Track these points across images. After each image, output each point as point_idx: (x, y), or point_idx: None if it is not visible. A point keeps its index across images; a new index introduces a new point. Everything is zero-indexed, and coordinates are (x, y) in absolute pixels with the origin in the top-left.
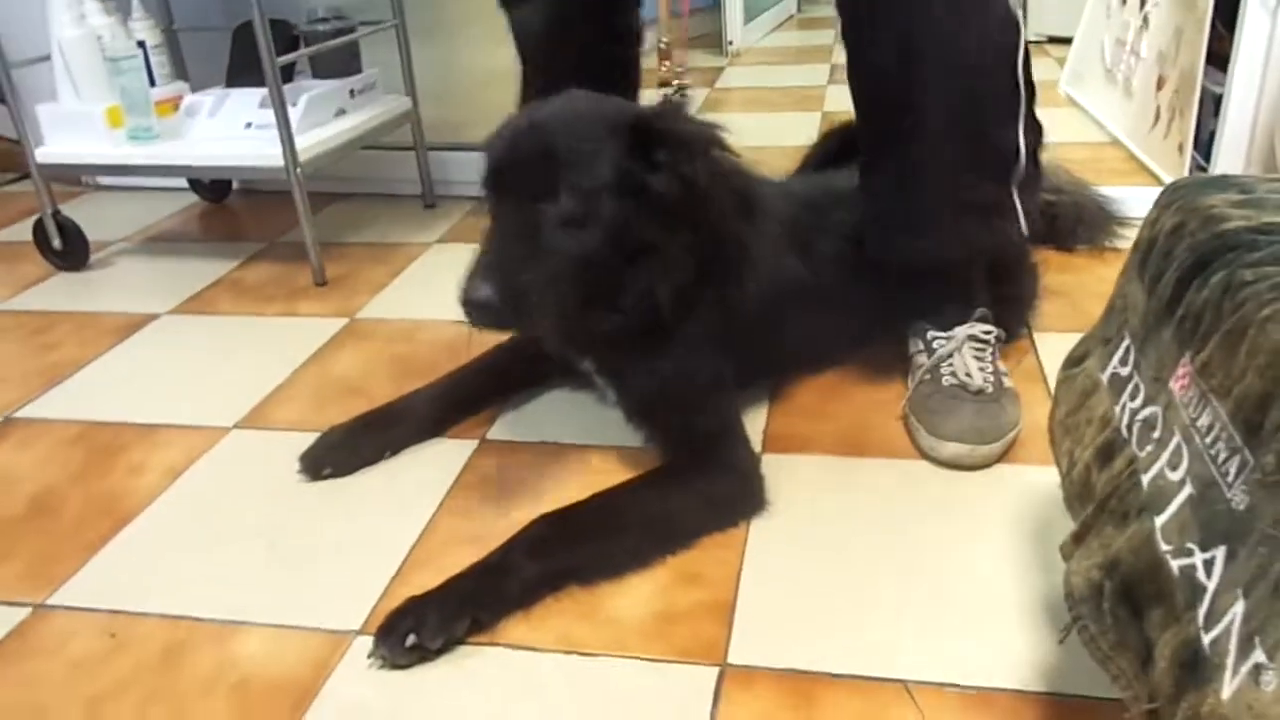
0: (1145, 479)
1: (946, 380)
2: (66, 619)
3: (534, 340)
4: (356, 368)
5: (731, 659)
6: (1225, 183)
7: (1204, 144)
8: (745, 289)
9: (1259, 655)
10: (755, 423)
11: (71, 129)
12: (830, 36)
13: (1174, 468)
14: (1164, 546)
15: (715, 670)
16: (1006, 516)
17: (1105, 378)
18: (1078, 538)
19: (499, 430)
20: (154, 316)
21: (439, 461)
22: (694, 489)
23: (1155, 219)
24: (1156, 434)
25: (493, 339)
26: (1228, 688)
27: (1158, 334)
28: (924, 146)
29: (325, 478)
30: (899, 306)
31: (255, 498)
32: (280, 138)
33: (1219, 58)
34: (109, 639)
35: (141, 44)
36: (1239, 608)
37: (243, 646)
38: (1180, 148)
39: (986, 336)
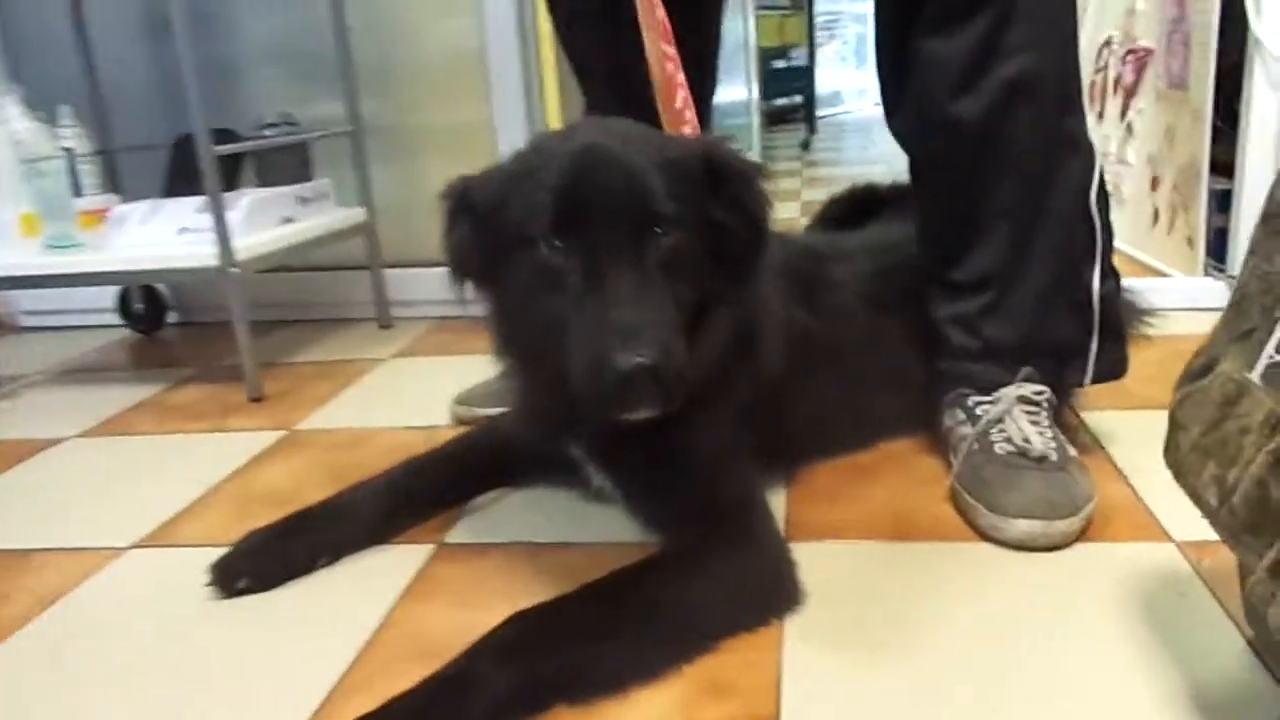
0: None
1: (1000, 448)
2: None
3: (500, 431)
4: (289, 477)
5: None
6: None
7: (1220, 235)
8: (771, 353)
9: None
10: (774, 509)
11: None
12: (796, 182)
13: None
14: None
15: None
16: (1104, 602)
17: (1258, 374)
18: (1278, 569)
19: (461, 533)
20: (57, 441)
21: (386, 569)
22: (718, 573)
23: None
24: None
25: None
26: None
27: None
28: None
29: (241, 591)
30: (935, 374)
31: (149, 623)
32: (216, 236)
33: (1213, 162)
34: None
35: (68, 151)
36: None
37: None
38: (1189, 241)
39: (1038, 398)
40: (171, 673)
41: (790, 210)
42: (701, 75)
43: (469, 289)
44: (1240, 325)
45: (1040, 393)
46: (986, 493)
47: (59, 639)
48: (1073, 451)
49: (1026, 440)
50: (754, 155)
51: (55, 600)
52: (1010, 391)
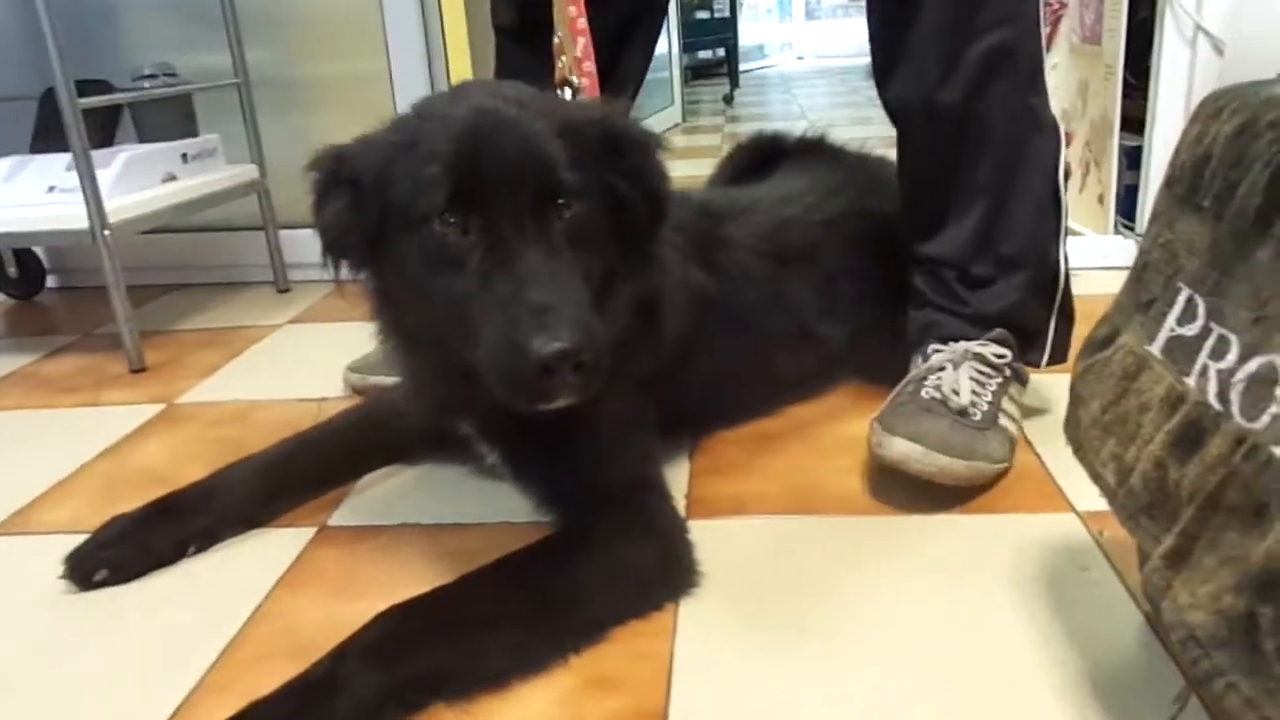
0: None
1: (927, 393)
2: None
3: (389, 404)
4: (166, 455)
5: None
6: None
7: (1130, 193)
8: (671, 321)
9: None
10: (676, 485)
11: None
12: (716, 138)
13: None
14: None
15: None
16: (1011, 577)
17: (1158, 348)
18: (1174, 558)
19: (345, 514)
20: None
21: (261, 556)
22: (602, 559)
23: (1200, 134)
24: None
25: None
26: None
27: (1245, 262)
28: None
29: (101, 584)
30: (911, 323)
31: None
32: (85, 197)
33: (1124, 118)
34: None
35: None
36: None
37: None
38: (1100, 198)
39: (998, 361)
40: (21, 670)
41: (704, 168)
42: (631, 41)
43: (345, 268)
44: (1141, 295)
45: (1001, 357)
46: (887, 418)
47: None
48: (1008, 425)
49: (955, 391)
50: (675, 110)
51: None
52: (967, 346)
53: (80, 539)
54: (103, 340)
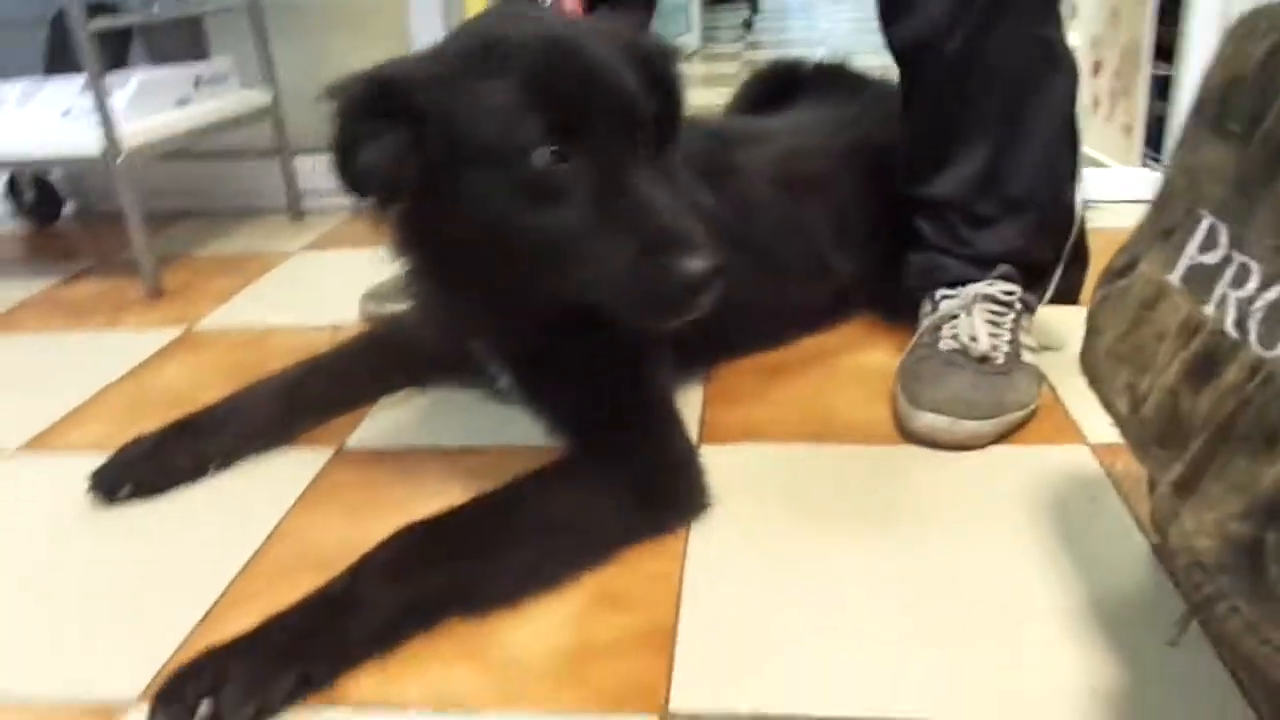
0: None
1: (945, 344)
2: None
3: (405, 328)
4: (186, 378)
5: (674, 706)
6: None
7: (1158, 124)
8: None
9: None
10: (688, 411)
11: None
12: (734, 66)
13: None
14: None
15: None
16: (1018, 507)
17: (1177, 276)
18: (1183, 486)
19: (363, 435)
20: None
21: (281, 475)
22: (615, 481)
23: (1233, 54)
24: None
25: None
26: None
27: (1270, 190)
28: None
29: (124, 499)
30: (912, 270)
31: (28, 533)
32: (99, 121)
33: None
34: None
35: None
36: None
37: None
38: (1127, 129)
39: (1007, 298)
40: (52, 583)
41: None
42: None
43: (381, 206)
44: (1162, 223)
45: (1010, 293)
46: (912, 384)
47: None
48: (1027, 357)
49: (973, 338)
50: (693, 36)
51: None
52: (976, 289)
53: (100, 458)
54: (120, 265)
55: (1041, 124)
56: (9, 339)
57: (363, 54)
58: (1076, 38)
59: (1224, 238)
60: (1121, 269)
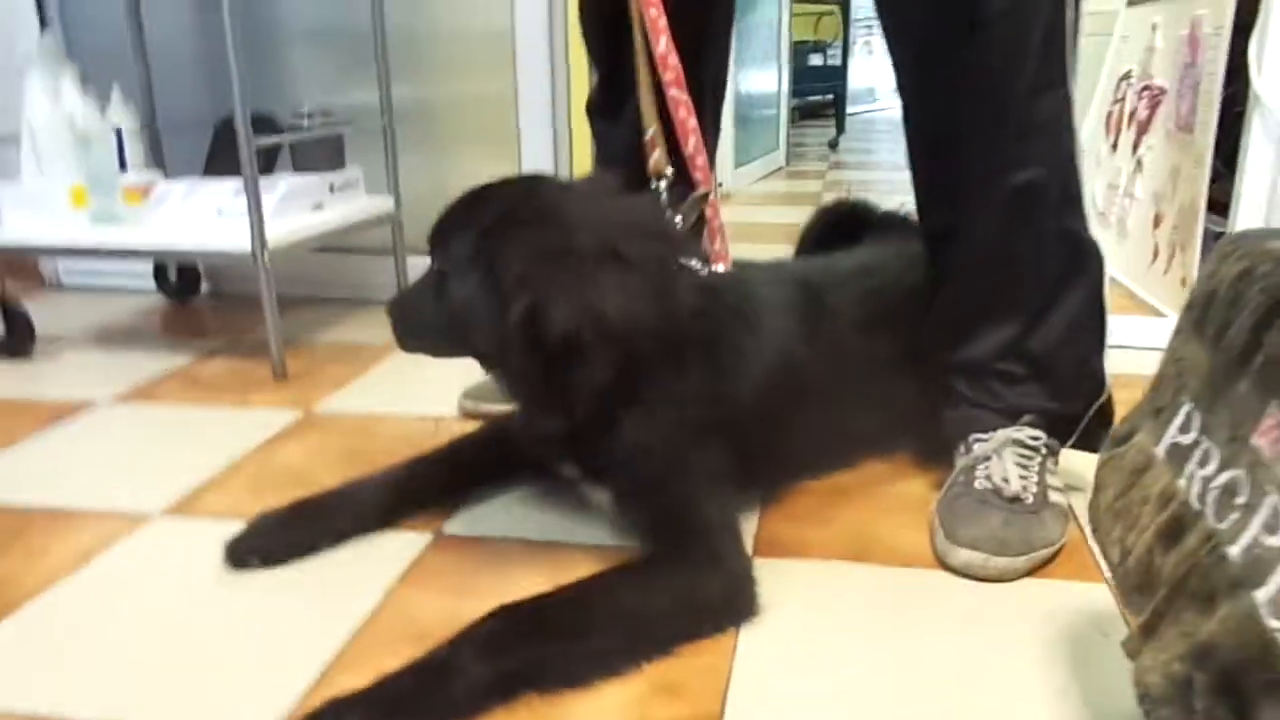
0: (1234, 551)
1: (979, 484)
2: None
3: (504, 431)
4: (305, 458)
5: None
6: None
7: None
8: (733, 383)
9: None
10: (747, 526)
11: (33, 208)
12: (818, 184)
13: (1273, 531)
14: (1273, 624)
15: None
16: (1038, 636)
17: (1162, 451)
18: (1147, 630)
19: (458, 524)
20: (91, 404)
21: (386, 554)
22: (678, 586)
23: (1213, 271)
24: (1242, 499)
25: (459, 431)
26: None
27: (1229, 390)
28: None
29: (252, 567)
30: (949, 423)
31: (169, 589)
32: (250, 223)
33: (1214, 202)
34: None
35: (118, 131)
36: None
37: None
38: (1183, 281)
39: (1034, 443)
40: (185, 637)
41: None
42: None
43: None
44: (1156, 402)
45: (1036, 438)
46: (950, 520)
47: (89, 596)
48: (1056, 498)
49: (1005, 480)
50: (779, 154)
51: (88, 560)
52: (1006, 434)
53: (234, 525)
54: (248, 346)
55: (1068, 305)
56: (153, 409)
57: (476, 166)
58: (1141, 191)
59: (1197, 424)
60: (1123, 437)
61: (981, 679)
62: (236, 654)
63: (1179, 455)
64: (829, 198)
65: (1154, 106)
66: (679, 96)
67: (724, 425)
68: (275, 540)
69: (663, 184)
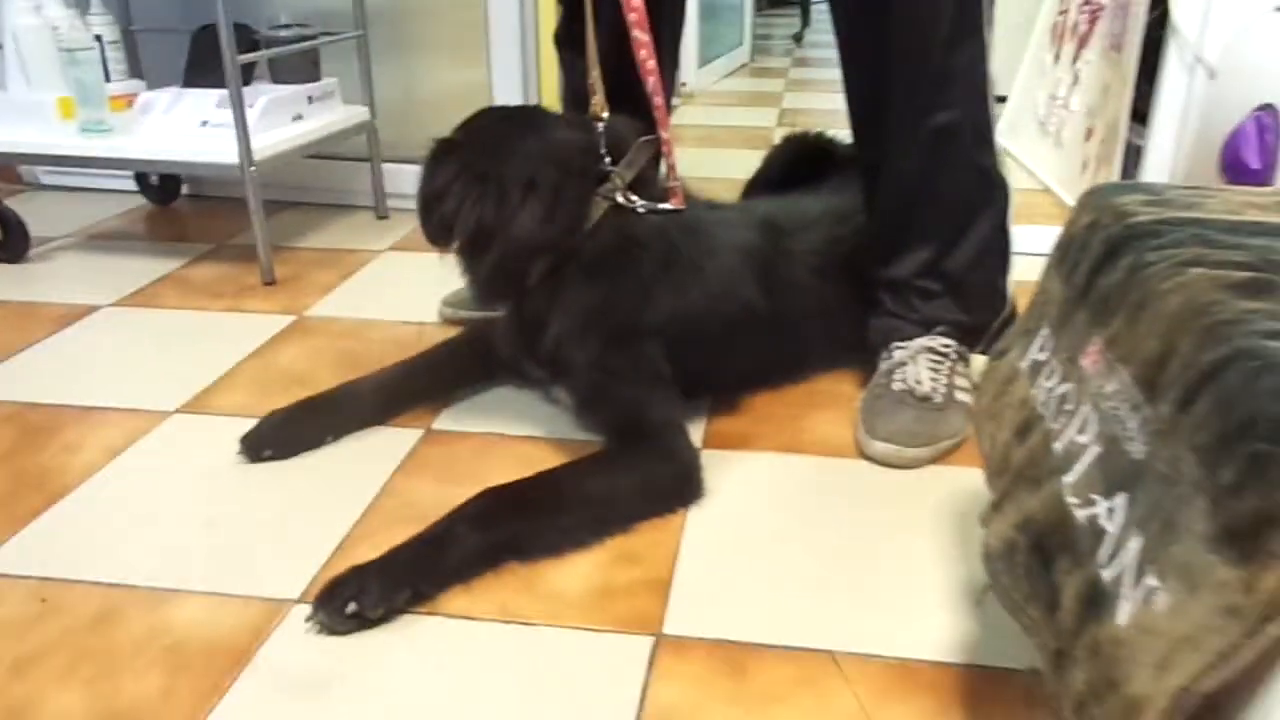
0: (1057, 446)
1: (896, 385)
2: None
3: (483, 337)
4: (302, 360)
5: (666, 630)
6: (1136, 187)
7: None
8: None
9: (1151, 580)
10: (698, 423)
11: (21, 118)
12: (780, 84)
13: (1082, 432)
14: (1071, 500)
15: (650, 640)
16: (934, 511)
17: (1025, 365)
18: (996, 506)
19: (445, 421)
20: (95, 308)
21: (383, 447)
22: (636, 475)
23: (1074, 219)
24: (1070, 406)
25: (441, 336)
26: (1125, 614)
27: (1072, 319)
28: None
29: (266, 459)
30: (873, 331)
31: (195, 477)
32: (237, 137)
33: (1140, 114)
34: (39, 604)
35: (98, 38)
36: (1135, 544)
37: (178, 612)
38: None
39: (945, 350)
40: (216, 518)
41: (767, 118)
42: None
43: None
44: (1028, 324)
45: (947, 346)
46: (870, 417)
47: (125, 484)
48: (962, 398)
49: (919, 381)
50: (744, 50)
51: (120, 452)
52: (921, 342)
53: (245, 421)
54: (236, 251)
55: (978, 231)
56: (153, 314)
57: (446, 75)
58: (1076, 104)
59: (1050, 345)
60: (1000, 352)
61: (888, 548)
62: (263, 532)
63: (1035, 370)
64: (792, 98)
65: (1093, 21)
66: (640, 38)
67: (659, 340)
68: (286, 435)
69: (600, 126)
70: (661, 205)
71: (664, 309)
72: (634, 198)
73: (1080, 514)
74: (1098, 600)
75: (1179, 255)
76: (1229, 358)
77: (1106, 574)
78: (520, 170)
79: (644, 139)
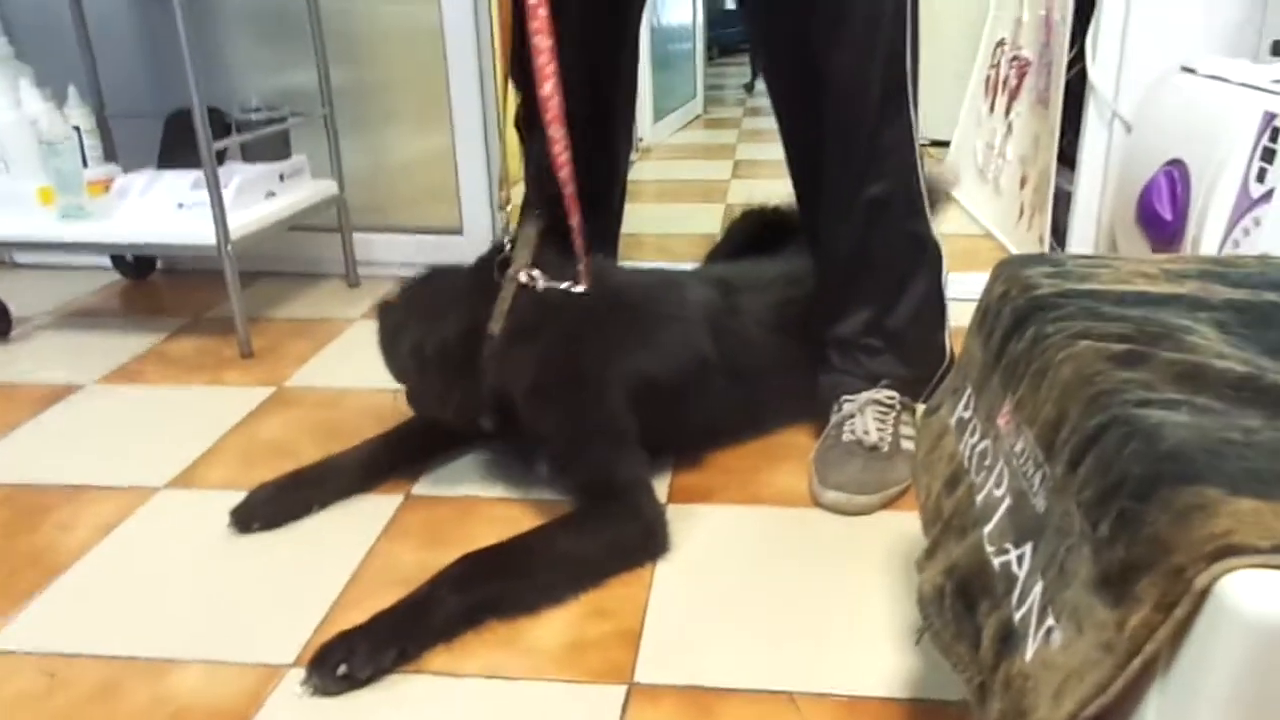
0: (979, 498)
1: (846, 437)
2: (2, 662)
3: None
4: (283, 431)
5: (638, 678)
6: (1042, 259)
7: (1062, 235)
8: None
9: (1050, 620)
10: (664, 476)
11: (2, 207)
12: (734, 135)
13: (998, 486)
14: (989, 548)
15: (623, 688)
16: (882, 556)
17: (953, 422)
18: (929, 553)
19: (423, 486)
20: (78, 387)
21: (366, 515)
22: (604, 534)
23: (990, 288)
24: (988, 462)
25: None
26: (1030, 651)
27: (989, 381)
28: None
29: (255, 531)
30: (823, 386)
31: (188, 550)
32: (214, 217)
33: (1071, 161)
34: (47, 678)
35: (76, 129)
36: (1038, 587)
37: (179, 681)
38: (1041, 239)
39: (890, 402)
40: (209, 588)
41: (722, 170)
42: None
43: None
44: (955, 382)
45: (892, 398)
46: (822, 467)
47: (120, 559)
48: (907, 445)
49: (866, 432)
50: (697, 102)
51: (112, 529)
52: (868, 395)
53: (233, 493)
54: (213, 324)
55: (915, 292)
56: (136, 390)
57: (412, 144)
58: (1010, 153)
59: (973, 405)
60: (934, 408)
61: (840, 592)
62: (255, 600)
63: (961, 427)
64: (746, 149)
65: (1021, 76)
66: (555, 134)
67: (641, 400)
68: (273, 507)
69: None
70: (562, 285)
71: (600, 362)
72: (535, 274)
73: (997, 561)
74: (1010, 639)
75: (1072, 327)
76: (1106, 425)
77: (1017, 615)
78: (416, 340)
79: (534, 214)
